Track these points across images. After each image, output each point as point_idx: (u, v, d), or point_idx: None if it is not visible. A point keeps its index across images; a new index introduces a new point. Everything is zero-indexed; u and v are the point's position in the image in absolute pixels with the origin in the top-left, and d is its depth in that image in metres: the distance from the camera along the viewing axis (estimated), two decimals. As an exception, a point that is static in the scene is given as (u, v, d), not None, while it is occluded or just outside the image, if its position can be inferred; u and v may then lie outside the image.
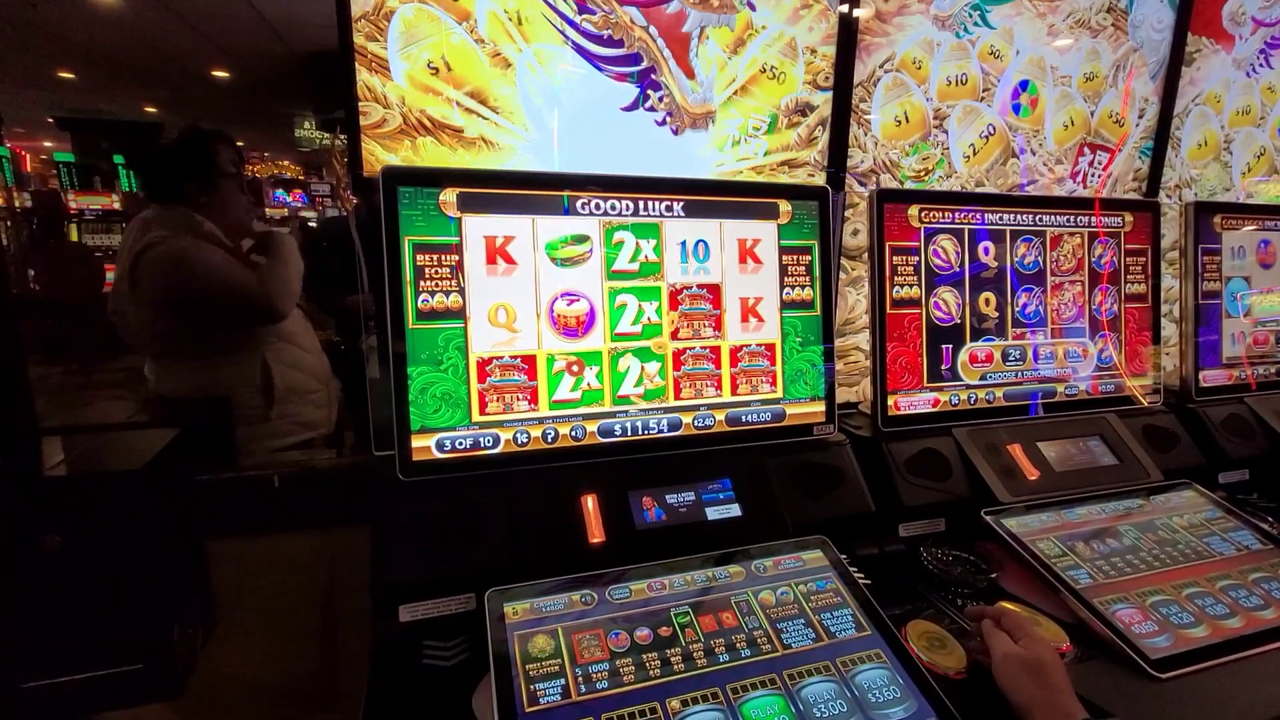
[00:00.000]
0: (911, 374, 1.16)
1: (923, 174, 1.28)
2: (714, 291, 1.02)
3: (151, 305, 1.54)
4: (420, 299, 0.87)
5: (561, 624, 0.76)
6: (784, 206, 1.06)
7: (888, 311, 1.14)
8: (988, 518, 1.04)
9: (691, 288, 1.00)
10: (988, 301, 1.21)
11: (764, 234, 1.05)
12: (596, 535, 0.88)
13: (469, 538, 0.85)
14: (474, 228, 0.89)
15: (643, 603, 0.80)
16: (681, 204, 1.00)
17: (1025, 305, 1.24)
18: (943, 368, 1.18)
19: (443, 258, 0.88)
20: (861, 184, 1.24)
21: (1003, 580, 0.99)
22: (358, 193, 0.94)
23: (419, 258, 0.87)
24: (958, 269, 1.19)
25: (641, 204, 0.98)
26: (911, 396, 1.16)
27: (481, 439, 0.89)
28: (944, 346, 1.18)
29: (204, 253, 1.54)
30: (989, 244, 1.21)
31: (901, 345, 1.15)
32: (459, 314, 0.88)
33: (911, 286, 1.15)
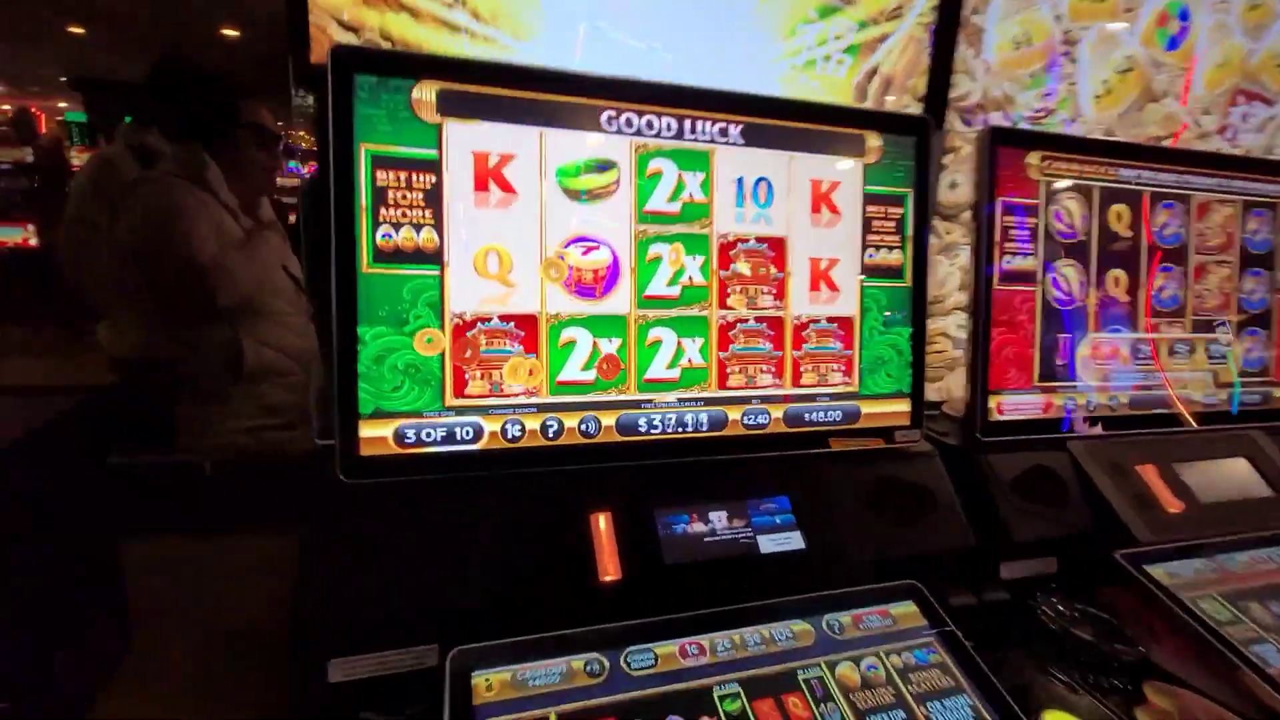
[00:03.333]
0: (1019, 369, 0.90)
1: (1041, 115, 1.01)
2: (777, 247, 0.77)
3: (121, 246, 1.35)
4: (379, 233, 0.63)
5: (557, 708, 0.52)
6: (872, 141, 0.80)
7: (995, 287, 0.88)
8: (1125, 562, 0.79)
9: (749, 241, 0.75)
10: (1118, 281, 0.95)
11: (845, 175, 0.79)
12: (609, 571, 0.64)
13: (432, 568, 0.61)
14: (459, 140, 0.65)
15: (673, 675, 0.56)
16: (740, 128, 0.74)
17: (1162, 288, 0.98)
18: (1058, 363, 0.92)
19: (414, 178, 0.63)
20: (965, 122, 0.97)
21: (1153, 651, 0.74)
22: (305, 88, 0.70)
23: (380, 176, 0.62)
24: (1083, 237, 0.93)
25: (688, 124, 0.72)
26: (1018, 398, 0.90)
27: (458, 429, 0.66)
28: (1061, 336, 0.92)
29: (192, 208, 1.34)
30: (1124, 208, 0.95)
31: (1009, 331, 0.89)
32: (434, 257, 0.64)
33: (1026, 256, 0.89)
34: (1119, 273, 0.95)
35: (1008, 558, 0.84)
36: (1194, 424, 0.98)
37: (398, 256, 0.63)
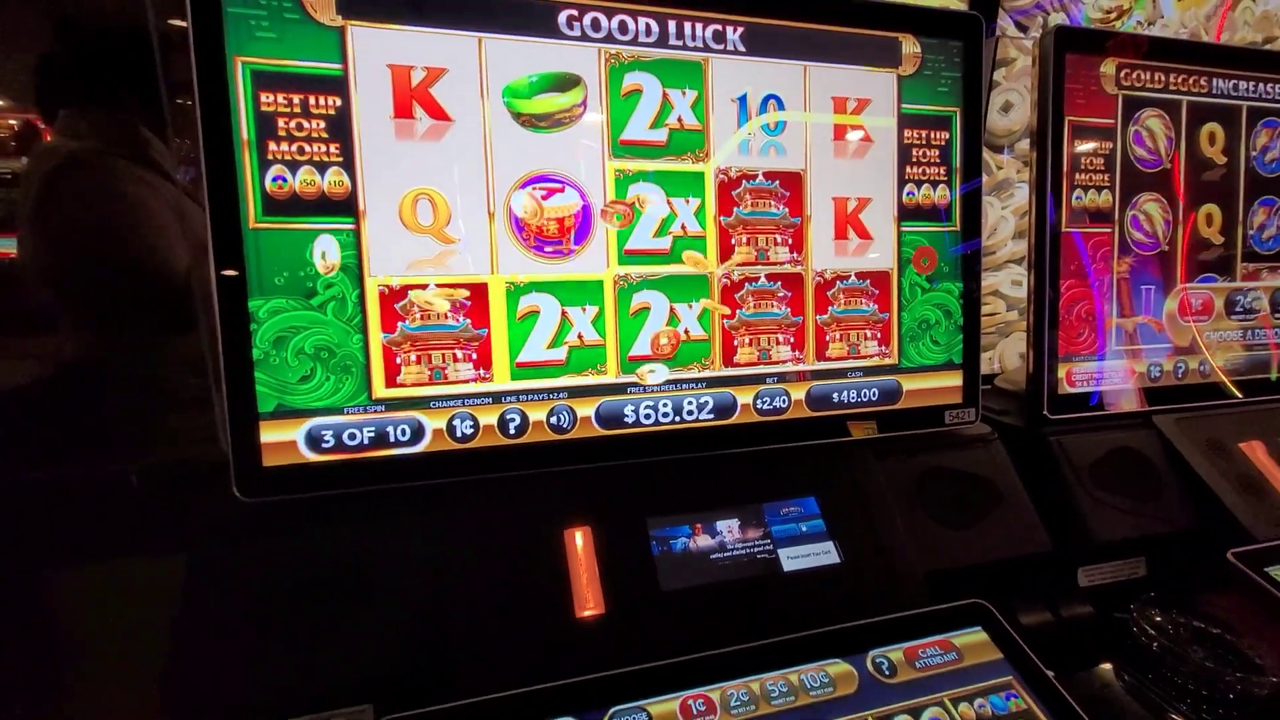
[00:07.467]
0: (1091, 329, 0.74)
1: (1113, 15, 0.83)
2: (792, 185, 0.61)
3: (55, 247, 1.15)
4: (269, 175, 0.48)
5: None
6: (909, 47, 0.63)
7: (1062, 230, 0.71)
8: (1242, 563, 0.63)
9: (756, 177, 0.60)
10: (1210, 219, 0.78)
11: (876, 91, 0.63)
12: (590, 603, 0.50)
13: (363, 607, 0.48)
14: (371, 50, 0.50)
15: (672, 750, 0.42)
16: (741, 31, 0.58)
17: (1264, 226, 0.81)
18: (1139, 321, 0.76)
19: (313, 102, 0.48)
20: (1020, 28, 0.80)
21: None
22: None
23: (264, 99, 0.47)
24: (1168, 165, 0.76)
25: (674, 26, 0.57)
26: (1092, 365, 0.74)
27: (392, 429, 0.51)
28: (1144, 288, 0.76)
29: (140, 196, 1.11)
30: (1217, 129, 0.77)
31: (1080, 284, 0.73)
32: (346, 205, 0.50)
33: (1101, 191, 0.73)
34: (1211, 208, 0.78)
35: (1087, 561, 0.68)
36: (1303, 389, 0.81)
37: (296, 206, 0.48)
